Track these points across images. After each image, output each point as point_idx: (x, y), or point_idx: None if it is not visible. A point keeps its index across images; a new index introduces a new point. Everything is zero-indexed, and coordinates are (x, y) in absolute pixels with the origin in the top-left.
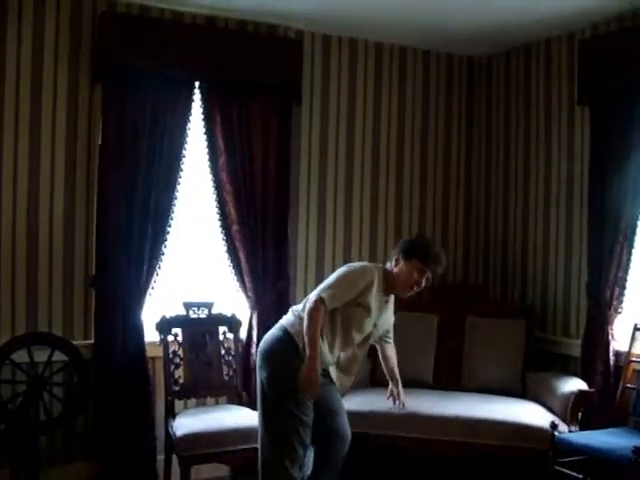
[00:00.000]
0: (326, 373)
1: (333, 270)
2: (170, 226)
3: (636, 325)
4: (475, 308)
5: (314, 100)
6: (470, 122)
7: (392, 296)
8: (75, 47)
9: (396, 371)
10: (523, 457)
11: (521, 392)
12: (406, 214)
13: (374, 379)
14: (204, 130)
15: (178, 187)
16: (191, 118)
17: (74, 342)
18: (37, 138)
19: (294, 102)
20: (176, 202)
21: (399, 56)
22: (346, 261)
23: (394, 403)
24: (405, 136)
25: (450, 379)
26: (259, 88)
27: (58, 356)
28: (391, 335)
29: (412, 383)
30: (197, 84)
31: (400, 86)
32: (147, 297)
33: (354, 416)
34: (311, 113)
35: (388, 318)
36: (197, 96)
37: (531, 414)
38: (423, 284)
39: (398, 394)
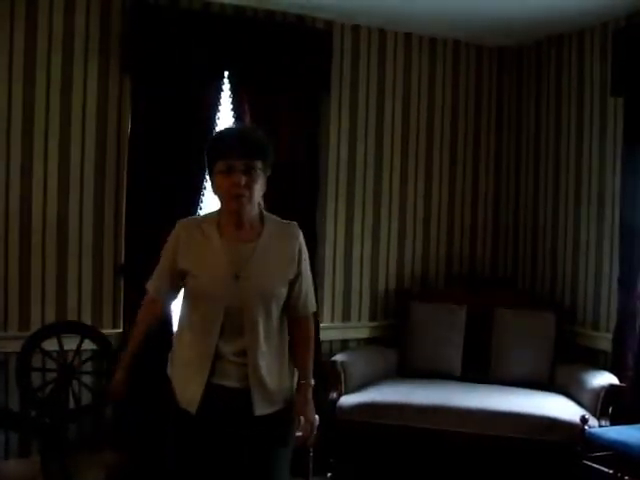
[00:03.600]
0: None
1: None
2: (199, 216)
3: None
4: (504, 300)
5: (343, 91)
6: (500, 113)
7: (281, 237)
8: (105, 38)
9: (306, 370)
10: (552, 451)
11: (550, 385)
12: (435, 204)
13: (403, 369)
14: (233, 120)
15: (207, 177)
16: (220, 108)
17: (103, 331)
18: (67, 129)
19: (323, 92)
20: (205, 192)
21: (429, 47)
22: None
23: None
24: (434, 127)
25: (478, 371)
26: (288, 78)
27: (87, 345)
28: (302, 303)
29: (440, 375)
30: (226, 74)
31: (429, 77)
32: None
33: (382, 408)
34: (340, 104)
35: (269, 266)
36: (226, 86)
37: (561, 408)
38: (243, 182)
39: (305, 423)
